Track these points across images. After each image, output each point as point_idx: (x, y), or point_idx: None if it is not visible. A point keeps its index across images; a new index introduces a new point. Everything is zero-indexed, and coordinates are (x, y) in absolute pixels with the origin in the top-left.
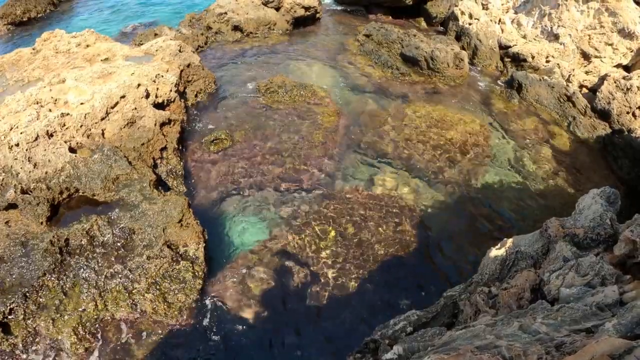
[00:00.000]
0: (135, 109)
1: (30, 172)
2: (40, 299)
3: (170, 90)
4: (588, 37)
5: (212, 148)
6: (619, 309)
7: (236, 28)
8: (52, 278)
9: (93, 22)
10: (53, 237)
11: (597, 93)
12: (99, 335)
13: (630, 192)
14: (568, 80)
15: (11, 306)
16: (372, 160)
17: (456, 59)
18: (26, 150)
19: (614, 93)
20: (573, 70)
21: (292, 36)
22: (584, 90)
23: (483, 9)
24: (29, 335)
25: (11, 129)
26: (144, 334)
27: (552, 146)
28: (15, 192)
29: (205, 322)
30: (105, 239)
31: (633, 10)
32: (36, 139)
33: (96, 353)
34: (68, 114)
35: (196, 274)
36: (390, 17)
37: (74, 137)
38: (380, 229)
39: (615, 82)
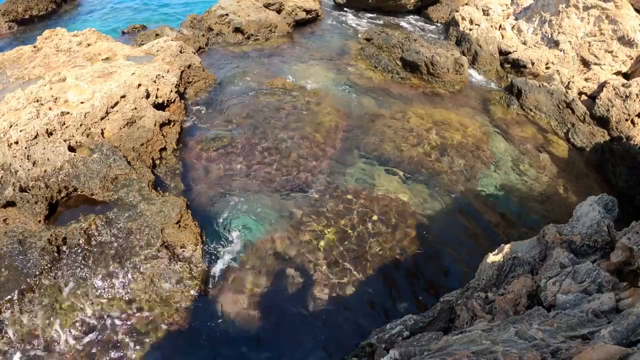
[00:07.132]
0: (135, 109)
1: (29, 170)
2: (37, 297)
3: (171, 91)
4: (588, 44)
5: (211, 149)
6: (615, 316)
7: (237, 30)
8: (49, 276)
9: (94, 21)
10: (51, 235)
11: (596, 100)
12: (94, 335)
13: (628, 199)
14: (567, 87)
15: (8, 303)
16: (371, 162)
17: (456, 64)
18: (25, 148)
19: (613, 100)
20: (572, 77)
21: (293, 39)
22: (583, 97)
23: (484, 14)
24: (25, 333)
25: (10, 127)
26: (141, 334)
27: (550, 153)
28: (13, 190)
29: (202, 323)
30: (103, 238)
31: (633, 18)
32: (35, 137)
33: (92, 352)
34: (68, 113)
35: (193, 275)
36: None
37: (73, 136)
38: (378, 231)
39: (614, 90)
